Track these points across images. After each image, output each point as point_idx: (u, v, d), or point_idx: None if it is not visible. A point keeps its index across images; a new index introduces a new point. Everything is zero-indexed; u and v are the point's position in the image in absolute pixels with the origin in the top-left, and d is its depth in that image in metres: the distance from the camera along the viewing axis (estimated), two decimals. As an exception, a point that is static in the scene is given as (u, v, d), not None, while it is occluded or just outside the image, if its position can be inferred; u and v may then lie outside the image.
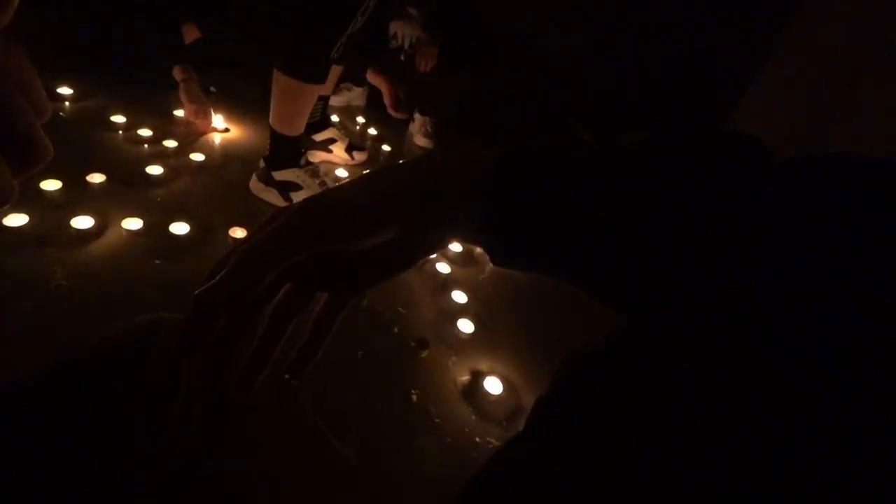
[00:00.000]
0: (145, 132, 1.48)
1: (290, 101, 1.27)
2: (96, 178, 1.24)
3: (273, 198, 1.35)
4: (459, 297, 1.22)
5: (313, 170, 1.30)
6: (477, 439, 0.93)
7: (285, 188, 1.31)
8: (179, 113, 1.66)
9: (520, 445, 0.34)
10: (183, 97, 1.60)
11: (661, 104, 2.83)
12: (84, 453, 0.54)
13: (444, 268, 1.32)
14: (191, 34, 1.75)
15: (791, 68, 2.31)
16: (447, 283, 1.29)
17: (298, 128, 1.30)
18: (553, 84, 2.97)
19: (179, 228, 1.17)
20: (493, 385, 1.02)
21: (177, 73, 1.60)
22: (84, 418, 0.56)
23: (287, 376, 0.61)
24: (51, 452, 0.52)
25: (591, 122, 2.96)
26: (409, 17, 1.71)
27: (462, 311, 1.20)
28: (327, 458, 0.83)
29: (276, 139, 1.30)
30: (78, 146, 1.37)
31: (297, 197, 1.31)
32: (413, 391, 0.99)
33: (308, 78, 1.20)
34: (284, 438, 0.84)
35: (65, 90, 1.56)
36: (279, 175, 1.30)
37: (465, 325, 1.15)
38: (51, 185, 1.16)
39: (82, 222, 1.10)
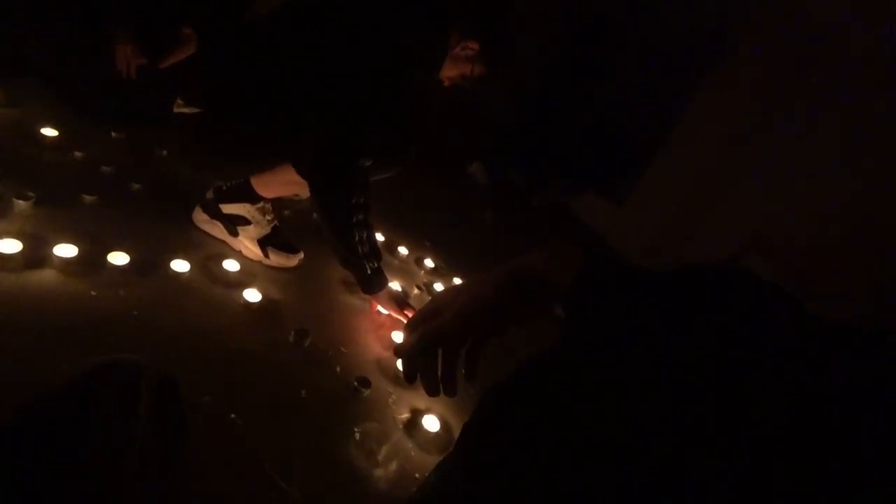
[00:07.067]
0: (79, 153, 1.41)
1: (290, 188, 1.33)
2: (24, 197, 1.17)
3: (217, 231, 1.35)
4: (399, 337, 1.30)
5: (264, 207, 1.33)
6: (417, 475, 1.00)
7: (232, 221, 1.32)
8: (116, 134, 1.60)
9: (449, 461, 0.45)
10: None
11: (588, 156, 3.16)
12: (44, 488, 0.56)
13: (384, 308, 1.40)
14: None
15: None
16: (387, 324, 1.36)
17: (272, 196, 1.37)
18: (492, 136, 3.21)
19: (118, 258, 1.14)
20: (431, 423, 1.10)
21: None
22: (46, 455, 0.59)
23: (233, 415, 0.74)
24: (15, 487, 0.54)
25: (524, 170, 3.23)
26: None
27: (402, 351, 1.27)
28: (273, 498, 0.86)
29: (247, 187, 1.32)
30: (1, 160, 1.29)
31: (245, 232, 1.32)
32: (356, 429, 1.04)
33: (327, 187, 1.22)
34: (230, 479, 0.86)
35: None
36: (227, 208, 1.31)
37: (405, 365, 1.22)
38: (-29, 203, 1.09)
39: (8, 246, 1.03)
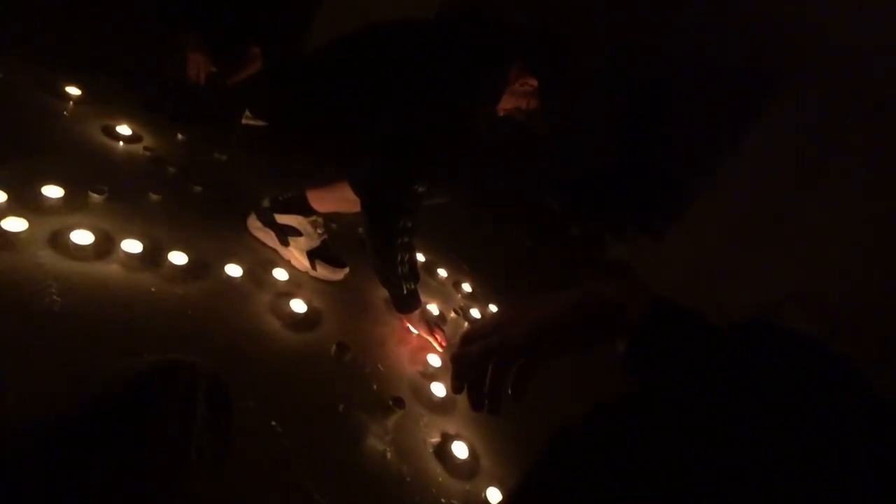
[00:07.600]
0: (148, 152, 1.50)
1: (343, 205, 1.37)
2: (98, 191, 1.23)
3: (269, 239, 1.40)
4: (435, 360, 1.32)
5: (316, 221, 1.38)
6: (442, 500, 1.01)
7: (284, 231, 1.37)
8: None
9: None
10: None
11: (630, 190, 3.15)
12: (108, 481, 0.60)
13: (414, 328, 1.42)
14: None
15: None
16: (417, 343, 1.39)
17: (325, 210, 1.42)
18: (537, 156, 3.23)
19: (177, 258, 1.19)
20: (460, 449, 1.11)
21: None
22: (111, 451, 0.62)
23: (273, 423, 0.75)
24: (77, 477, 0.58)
25: (563, 198, 3.24)
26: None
27: (436, 374, 1.29)
28: (305, 507, 0.88)
29: (302, 200, 1.37)
30: (79, 152, 1.37)
31: (296, 243, 1.37)
32: (388, 448, 1.06)
33: (380, 208, 1.25)
34: (266, 485, 0.89)
35: (72, 90, 1.55)
36: (281, 218, 1.36)
37: (438, 389, 1.24)
38: (53, 191, 1.16)
39: (82, 237, 1.09)
